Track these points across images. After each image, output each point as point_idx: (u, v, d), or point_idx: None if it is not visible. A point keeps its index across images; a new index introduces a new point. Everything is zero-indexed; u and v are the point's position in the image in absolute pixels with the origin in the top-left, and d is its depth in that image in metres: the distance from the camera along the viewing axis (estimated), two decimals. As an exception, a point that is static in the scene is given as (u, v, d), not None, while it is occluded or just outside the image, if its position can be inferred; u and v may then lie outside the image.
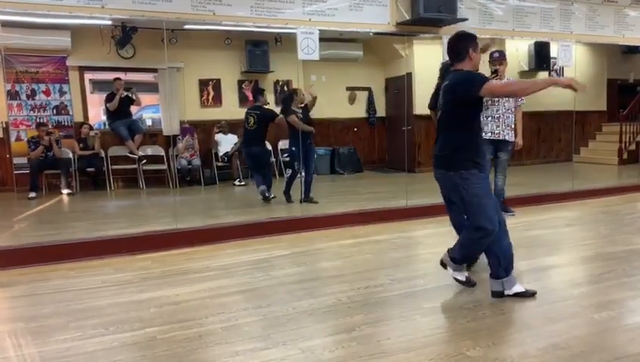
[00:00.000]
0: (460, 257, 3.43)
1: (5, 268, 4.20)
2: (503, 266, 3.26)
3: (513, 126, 5.84)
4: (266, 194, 6.54)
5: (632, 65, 11.40)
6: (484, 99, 5.68)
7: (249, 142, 6.76)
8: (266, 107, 6.81)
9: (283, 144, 8.92)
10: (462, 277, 3.48)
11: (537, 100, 9.40)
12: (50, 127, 7.97)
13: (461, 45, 3.24)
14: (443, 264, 3.52)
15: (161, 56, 7.18)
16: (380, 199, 6.35)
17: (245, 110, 6.92)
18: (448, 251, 3.47)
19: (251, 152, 6.77)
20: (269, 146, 8.29)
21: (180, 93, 8.87)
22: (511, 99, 5.79)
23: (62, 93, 8.35)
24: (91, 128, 8.50)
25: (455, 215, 3.66)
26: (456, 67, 3.26)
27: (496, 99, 5.74)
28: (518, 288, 3.29)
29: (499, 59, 5.83)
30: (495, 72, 5.69)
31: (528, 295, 3.30)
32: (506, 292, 3.29)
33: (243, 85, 9.35)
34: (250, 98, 8.96)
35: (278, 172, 8.92)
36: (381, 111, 10.49)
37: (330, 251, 3.92)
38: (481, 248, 3.33)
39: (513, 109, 5.82)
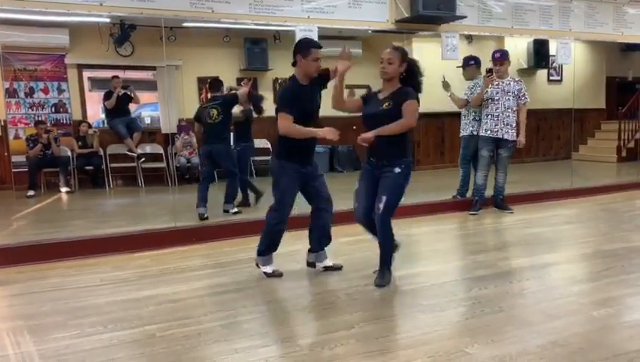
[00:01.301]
0: (263, 246, 3.74)
1: (3, 266, 4.19)
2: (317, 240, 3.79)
3: (514, 125, 5.80)
4: (201, 213, 5.44)
5: (631, 63, 11.41)
6: (485, 98, 5.72)
7: (210, 140, 5.72)
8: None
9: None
10: (269, 269, 3.77)
11: (537, 98, 9.46)
12: (48, 125, 7.95)
13: (294, 52, 3.50)
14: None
15: (160, 54, 7.17)
16: (378, 197, 6.33)
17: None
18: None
19: (212, 151, 5.69)
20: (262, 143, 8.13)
21: (179, 91, 8.86)
22: (511, 98, 5.76)
23: (60, 91, 8.33)
24: (90, 126, 8.49)
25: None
26: (294, 72, 3.58)
27: (496, 98, 5.73)
28: (327, 262, 3.84)
29: (500, 59, 5.80)
30: (490, 71, 5.69)
31: (335, 268, 3.85)
32: (317, 265, 3.83)
33: (242, 83, 9.31)
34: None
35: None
36: (380, 109, 10.47)
37: (329, 249, 3.91)
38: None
39: (514, 108, 5.78)
